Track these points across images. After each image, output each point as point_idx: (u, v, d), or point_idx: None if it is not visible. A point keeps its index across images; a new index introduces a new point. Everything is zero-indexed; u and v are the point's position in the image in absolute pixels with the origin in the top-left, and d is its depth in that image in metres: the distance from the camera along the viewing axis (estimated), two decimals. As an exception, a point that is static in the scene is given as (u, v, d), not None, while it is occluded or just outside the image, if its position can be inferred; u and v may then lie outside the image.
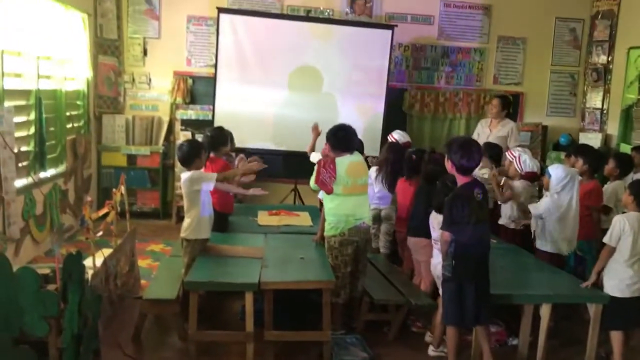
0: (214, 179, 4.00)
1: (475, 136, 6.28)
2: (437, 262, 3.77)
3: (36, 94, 5.18)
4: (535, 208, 4.33)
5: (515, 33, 7.65)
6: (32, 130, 5.19)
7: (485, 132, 6.26)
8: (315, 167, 4.07)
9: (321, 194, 4.38)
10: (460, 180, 3.47)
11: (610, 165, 5.03)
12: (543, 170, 5.37)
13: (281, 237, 4.61)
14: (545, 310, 3.66)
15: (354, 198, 4.02)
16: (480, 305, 3.42)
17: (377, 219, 5.13)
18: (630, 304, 3.62)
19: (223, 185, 4.22)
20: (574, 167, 4.73)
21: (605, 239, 3.67)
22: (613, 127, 7.29)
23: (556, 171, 4.23)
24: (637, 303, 3.64)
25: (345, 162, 3.98)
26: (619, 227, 3.60)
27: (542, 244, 4.33)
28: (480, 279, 3.45)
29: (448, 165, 3.49)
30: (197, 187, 3.94)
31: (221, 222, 4.54)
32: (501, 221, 4.85)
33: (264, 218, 5.15)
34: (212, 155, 4.57)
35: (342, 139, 4.07)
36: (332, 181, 3.92)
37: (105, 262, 3.88)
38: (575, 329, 4.22)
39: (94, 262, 3.73)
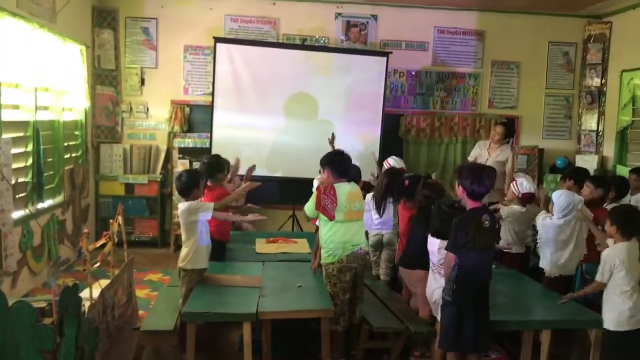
0: (212, 209, 4.00)
1: (472, 157, 6.31)
2: (435, 287, 3.75)
3: (34, 126, 5.21)
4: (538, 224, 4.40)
5: (509, 57, 7.74)
6: (30, 161, 5.21)
7: (483, 155, 6.30)
8: (314, 194, 4.07)
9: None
10: (470, 205, 3.46)
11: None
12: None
13: (279, 265, 4.60)
14: (544, 337, 3.64)
15: (351, 224, 4.01)
16: (479, 331, 3.39)
17: (379, 244, 5.13)
18: (630, 337, 3.50)
19: (221, 214, 4.22)
20: (570, 189, 4.76)
21: (597, 277, 3.59)
22: (609, 149, 7.34)
23: (559, 199, 4.26)
24: (638, 335, 3.51)
25: (344, 188, 3.99)
26: (610, 263, 3.50)
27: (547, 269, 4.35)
28: (480, 305, 3.43)
29: (459, 190, 3.49)
30: (194, 217, 3.95)
31: (219, 251, 4.53)
32: (499, 245, 4.85)
33: (261, 246, 5.14)
34: (209, 183, 4.58)
35: (340, 164, 4.08)
36: (334, 207, 3.92)
37: (102, 294, 3.86)
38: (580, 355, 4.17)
39: (90, 293, 3.71)
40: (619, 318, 3.49)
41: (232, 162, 5.52)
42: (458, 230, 3.36)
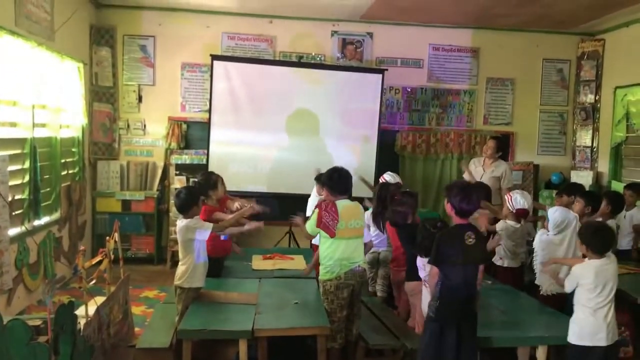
0: (210, 229, 4.01)
1: (466, 175, 6.33)
2: (426, 302, 3.76)
3: (31, 143, 5.22)
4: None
5: (504, 74, 7.82)
6: (27, 178, 5.21)
7: (478, 171, 6.34)
8: (315, 211, 4.07)
9: (316, 239, 4.39)
10: (456, 221, 3.52)
11: (602, 204, 5.07)
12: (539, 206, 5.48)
13: (275, 282, 4.59)
14: (540, 353, 3.63)
15: (350, 241, 4.02)
16: (461, 350, 3.38)
17: (376, 262, 5.13)
18: (588, 353, 3.44)
19: (221, 226, 4.23)
20: (567, 205, 4.79)
21: (566, 288, 3.61)
22: (603, 165, 7.39)
23: (554, 215, 4.28)
24: (599, 352, 3.44)
25: (343, 205, 4.01)
26: (576, 279, 3.50)
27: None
28: (465, 322, 3.43)
29: (447, 207, 3.55)
30: (192, 235, 3.96)
31: (215, 267, 4.53)
32: (493, 259, 4.85)
33: (258, 262, 5.14)
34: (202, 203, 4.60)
35: (339, 181, 4.10)
36: (335, 224, 3.93)
37: (98, 311, 3.84)
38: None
39: (86, 311, 3.69)
40: (580, 332, 3.46)
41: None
42: (439, 245, 3.42)
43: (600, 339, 3.40)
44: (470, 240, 3.41)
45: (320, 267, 4.07)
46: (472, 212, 3.53)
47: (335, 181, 4.09)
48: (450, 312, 3.39)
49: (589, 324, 3.44)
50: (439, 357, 3.40)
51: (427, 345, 3.45)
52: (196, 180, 4.87)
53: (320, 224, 3.96)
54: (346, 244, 3.98)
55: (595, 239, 3.50)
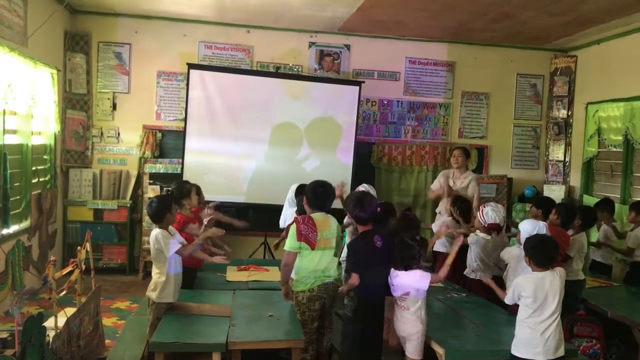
0: (173, 250, 3.89)
1: (436, 185, 6.22)
2: (401, 320, 3.74)
3: (0, 149, 5.11)
4: (504, 254, 4.44)
5: (479, 88, 7.92)
6: (-4, 185, 5.11)
7: (450, 184, 6.26)
8: (294, 226, 4.02)
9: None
10: (361, 229, 3.86)
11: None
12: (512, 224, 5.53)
13: (250, 294, 4.55)
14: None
15: (325, 252, 4.00)
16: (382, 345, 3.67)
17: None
18: None
19: (186, 250, 4.10)
20: (537, 217, 4.86)
21: (506, 299, 3.62)
22: (575, 179, 7.51)
23: (524, 226, 4.30)
24: None
25: (316, 217, 4.00)
26: (517, 290, 3.48)
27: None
28: (380, 318, 3.77)
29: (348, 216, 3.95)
30: (159, 247, 3.88)
31: (188, 278, 4.46)
32: (466, 272, 4.88)
33: (232, 274, 5.08)
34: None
35: (322, 196, 4.08)
36: (315, 236, 3.92)
37: (67, 323, 3.76)
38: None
39: (55, 322, 3.61)
40: (515, 342, 3.45)
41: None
42: (353, 252, 3.81)
43: (537, 353, 3.35)
44: (378, 243, 3.74)
45: (294, 279, 4.05)
46: (368, 218, 3.80)
47: (319, 195, 4.07)
48: (369, 311, 3.70)
49: (524, 336, 3.41)
50: (364, 355, 3.69)
51: (352, 344, 3.73)
52: (170, 189, 4.81)
53: (300, 236, 3.93)
54: (321, 255, 3.97)
55: (537, 252, 3.49)
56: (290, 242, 3.98)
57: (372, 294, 3.72)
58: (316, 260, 3.95)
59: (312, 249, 3.93)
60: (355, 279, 3.70)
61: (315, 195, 4.07)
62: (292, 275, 4.11)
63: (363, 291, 3.69)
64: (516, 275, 4.24)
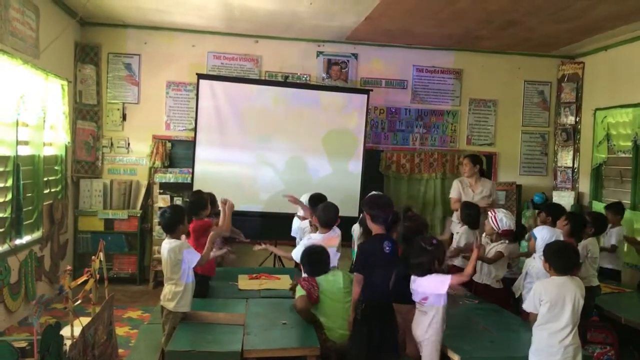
0: (197, 260, 3.97)
1: (455, 195, 6.22)
2: (419, 326, 3.74)
3: (14, 161, 5.16)
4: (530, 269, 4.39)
5: (486, 96, 7.93)
6: (9, 196, 5.14)
7: (468, 192, 6.19)
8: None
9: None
10: (375, 230, 3.90)
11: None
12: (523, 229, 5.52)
13: (263, 302, 4.56)
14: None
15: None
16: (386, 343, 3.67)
17: None
18: None
19: (203, 260, 4.16)
20: (546, 223, 4.86)
21: (526, 307, 3.55)
22: (584, 185, 7.50)
23: (542, 232, 4.29)
24: None
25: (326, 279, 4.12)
26: (537, 296, 3.44)
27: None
28: (388, 318, 3.78)
29: (368, 219, 3.92)
30: (181, 256, 3.91)
31: (202, 286, 4.49)
32: (476, 278, 4.85)
33: (244, 282, 5.10)
34: (194, 220, 4.57)
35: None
36: (316, 291, 4.01)
37: (83, 332, 3.78)
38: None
39: (72, 332, 3.63)
40: (532, 349, 3.41)
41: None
42: (360, 253, 3.93)
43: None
44: (387, 249, 3.79)
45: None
46: (385, 219, 3.87)
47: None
48: (375, 312, 3.74)
49: (543, 343, 3.37)
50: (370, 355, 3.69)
51: (359, 344, 3.73)
52: (187, 200, 4.85)
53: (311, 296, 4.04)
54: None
55: (560, 258, 3.47)
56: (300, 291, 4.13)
57: (377, 296, 3.77)
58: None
59: (314, 303, 4.02)
60: (359, 279, 3.81)
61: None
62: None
63: (368, 293, 3.78)
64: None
